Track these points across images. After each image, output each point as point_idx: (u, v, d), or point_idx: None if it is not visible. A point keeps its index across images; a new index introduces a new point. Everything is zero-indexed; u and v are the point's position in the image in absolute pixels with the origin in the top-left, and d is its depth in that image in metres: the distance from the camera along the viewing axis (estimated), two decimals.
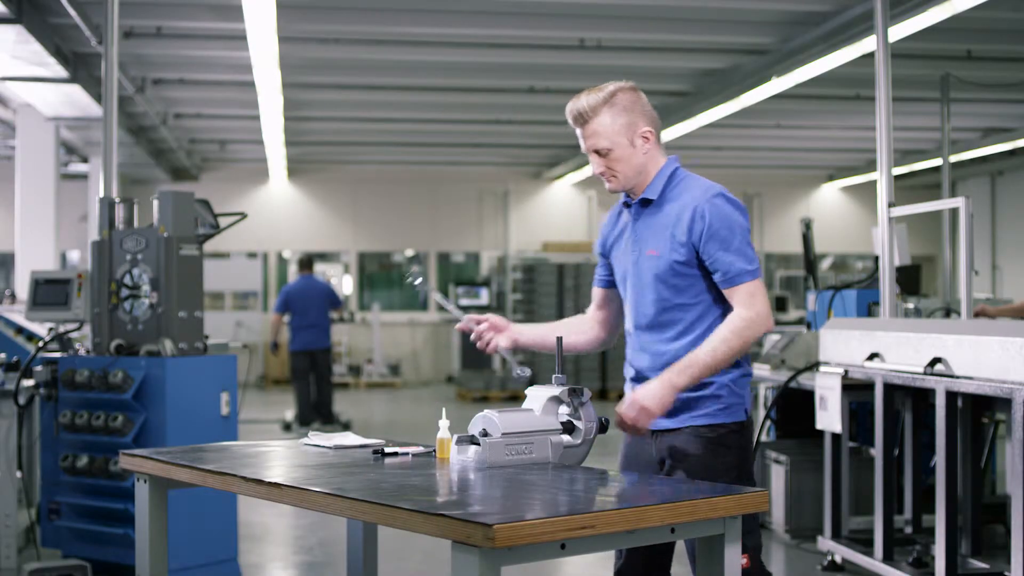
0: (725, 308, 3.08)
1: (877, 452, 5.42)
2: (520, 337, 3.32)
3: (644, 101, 3.14)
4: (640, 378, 3.17)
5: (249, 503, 6.77)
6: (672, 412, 3.10)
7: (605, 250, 3.33)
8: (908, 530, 5.77)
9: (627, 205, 3.23)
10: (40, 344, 5.70)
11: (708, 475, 3.03)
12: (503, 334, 3.30)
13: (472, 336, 3.33)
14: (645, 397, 3.00)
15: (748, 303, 3.02)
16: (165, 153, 16.15)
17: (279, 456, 3.19)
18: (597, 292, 3.40)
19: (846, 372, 5.56)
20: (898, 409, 5.66)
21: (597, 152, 3.12)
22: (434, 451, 3.08)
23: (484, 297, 17.60)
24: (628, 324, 3.24)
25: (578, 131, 3.14)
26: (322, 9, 9.06)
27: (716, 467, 3.07)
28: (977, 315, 6.08)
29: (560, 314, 16.03)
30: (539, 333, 3.39)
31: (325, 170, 18.30)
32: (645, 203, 3.16)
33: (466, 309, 17.85)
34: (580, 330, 3.41)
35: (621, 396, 3.16)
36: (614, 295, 3.33)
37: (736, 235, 3.04)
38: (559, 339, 3.18)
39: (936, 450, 4.93)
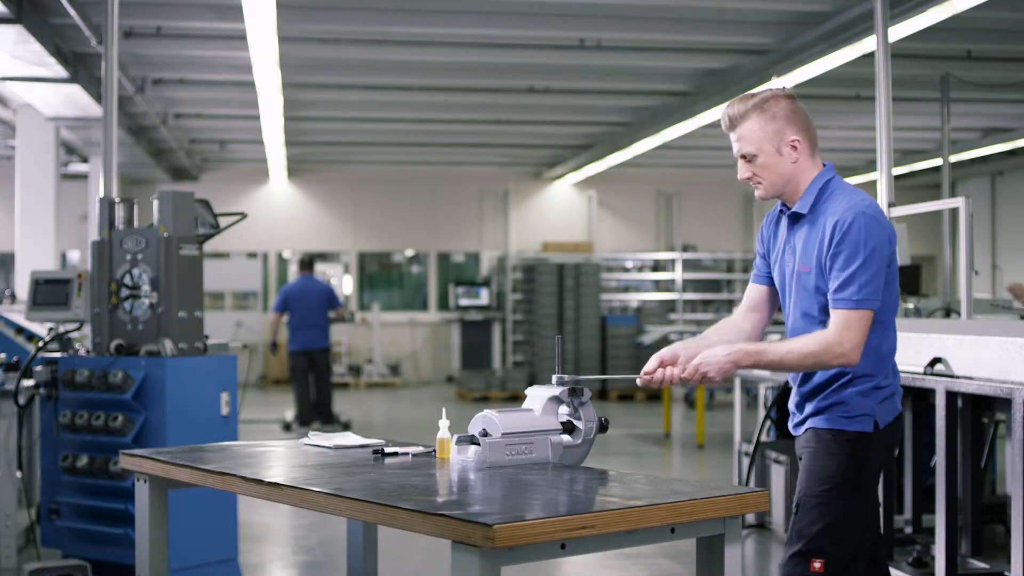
0: (873, 333, 3.01)
1: None
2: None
3: (798, 109, 3.11)
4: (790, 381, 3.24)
5: (249, 503, 6.77)
6: (806, 419, 3.15)
7: (765, 250, 3.30)
8: (908, 530, 5.77)
9: (782, 212, 3.21)
10: (40, 344, 5.70)
11: (814, 475, 3.05)
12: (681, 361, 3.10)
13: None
14: (708, 363, 2.99)
15: (840, 331, 2.95)
16: (165, 153, 16.15)
17: (279, 456, 3.19)
18: (755, 289, 3.32)
19: None
20: None
21: (744, 157, 3.12)
22: (434, 451, 3.08)
23: (484, 297, 17.61)
24: (787, 327, 3.24)
25: (731, 136, 3.14)
26: (322, 9, 9.06)
27: (822, 469, 3.07)
28: (1010, 290, 6.11)
29: (560, 314, 16.05)
30: (712, 332, 3.28)
31: (325, 170, 18.30)
32: (796, 217, 3.14)
33: (466, 309, 17.77)
34: (738, 330, 3.28)
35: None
36: (772, 295, 3.29)
37: (859, 257, 2.95)
38: (559, 339, 3.18)
39: (936, 450, 4.93)
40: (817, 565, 2.96)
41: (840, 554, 3.01)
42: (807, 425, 3.15)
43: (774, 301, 3.31)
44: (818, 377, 3.10)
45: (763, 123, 3.08)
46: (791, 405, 3.26)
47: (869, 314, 2.96)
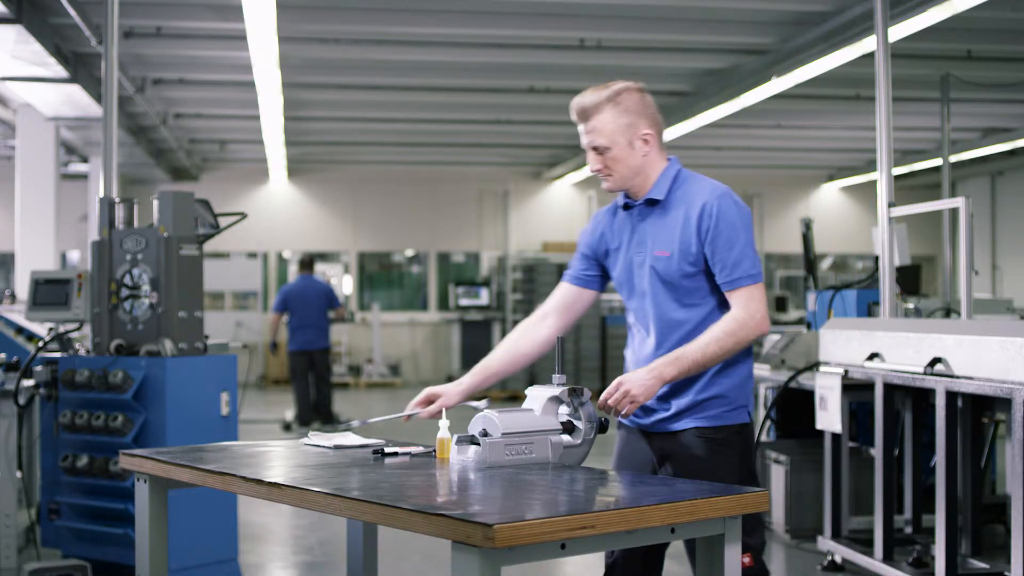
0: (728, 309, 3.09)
1: (877, 452, 5.42)
2: (463, 387, 3.23)
3: (649, 103, 3.13)
4: None
5: (249, 503, 6.77)
6: (677, 414, 3.11)
7: (592, 250, 3.29)
8: (908, 530, 5.77)
9: (627, 207, 3.22)
10: (40, 344, 5.70)
11: (710, 477, 3.03)
12: (442, 398, 3.19)
13: (422, 415, 3.19)
14: (631, 382, 2.99)
15: (745, 305, 3.02)
16: (165, 153, 16.15)
17: (279, 456, 3.19)
18: (568, 289, 3.32)
19: (846, 372, 5.56)
20: (898, 409, 5.66)
21: (595, 149, 3.12)
22: (434, 451, 3.08)
23: (484, 297, 17.60)
24: (636, 323, 3.22)
25: (580, 127, 3.14)
26: (322, 9, 9.06)
27: (718, 468, 3.08)
28: None
29: None
30: (489, 364, 3.29)
31: (325, 170, 18.30)
32: (651, 203, 3.15)
33: (466, 309, 17.80)
34: (532, 339, 3.32)
35: None
36: (586, 296, 3.30)
37: (741, 237, 3.04)
38: (560, 339, 3.18)
39: (936, 450, 4.93)
40: (746, 560, 2.97)
41: (757, 543, 3.09)
42: (685, 424, 3.11)
43: (584, 305, 3.30)
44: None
45: (616, 116, 3.08)
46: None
47: (761, 284, 3.06)
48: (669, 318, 3.12)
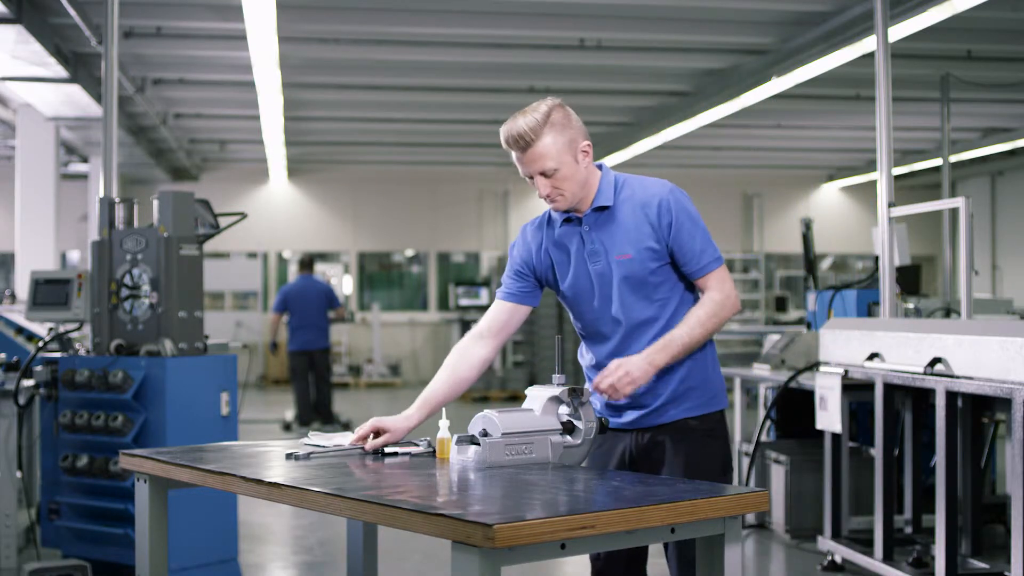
0: (696, 296, 3.17)
1: (877, 452, 5.42)
2: (411, 421, 3.14)
3: (574, 116, 3.11)
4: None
5: (249, 503, 6.77)
6: (660, 408, 3.13)
7: (529, 266, 3.25)
8: (908, 530, 5.77)
9: (568, 220, 3.18)
10: (40, 344, 5.70)
11: (699, 465, 3.07)
12: (389, 433, 3.10)
13: (366, 448, 3.10)
14: (631, 364, 3.01)
15: (719, 287, 3.11)
16: (165, 153, 16.15)
17: (279, 456, 3.19)
18: (504, 307, 3.26)
19: (846, 372, 5.56)
20: (898, 409, 5.66)
21: (543, 174, 3.06)
22: (434, 450, 3.08)
23: (484, 297, 17.60)
24: (594, 331, 3.20)
25: (515, 155, 3.07)
26: (322, 9, 9.06)
27: (706, 456, 3.12)
28: None
29: (560, 314, 16.05)
30: (433, 395, 3.19)
31: (325, 170, 18.30)
32: (599, 210, 3.14)
33: (466, 309, 17.78)
34: (471, 363, 3.23)
35: None
36: (521, 312, 3.27)
37: (699, 225, 3.12)
38: (559, 339, 3.17)
39: (936, 450, 4.93)
40: None
41: None
42: (673, 416, 3.12)
43: (519, 320, 3.28)
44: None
45: (555, 136, 3.04)
46: (599, 398, 3.20)
47: (724, 263, 3.16)
48: (638, 319, 3.12)
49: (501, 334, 3.29)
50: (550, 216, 3.24)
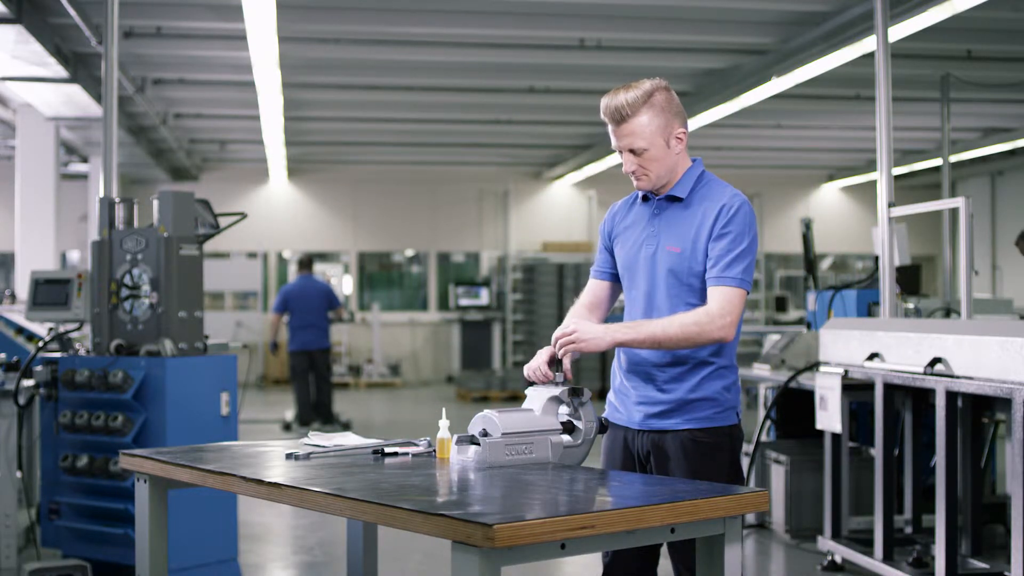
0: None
1: (877, 452, 5.42)
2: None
3: (677, 101, 3.11)
4: (639, 370, 3.14)
5: (249, 503, 6.77)
6: (667, 413, 3.10)
7: (610, 241, 3.28)
8: (908, 530, 5.77)
9: (645, 199, 3.20)
10: (40, 344, 5.70)
11: (700, 477, 3.03)
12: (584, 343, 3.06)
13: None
14: (584, 329, 2.99)
15: (721, 304, 3.00)
16: (165, 153, 16.15)
17: (279, 456, 3.19)
18: (598, 285, 3.31)
19: (846, 372, 5.56)
20: (898, 409, 5.66)
21: (632, 151, 3.08)
22: (434, 450, 3.08)
23: (484, 297, 17.61)
24: (632, 317, 3.20)
25: (612, 127, 3.09)
26: (322, 9, 9.06)
27: (709, 470, 3.08)
28: None
29: (560, 314, 16.04)
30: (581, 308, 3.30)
31: (325, 170, 18.30)
32: (672, 199, 3.14)
33: (466, 309, 17.77)
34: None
35: None
36: (613, 292, 3.31)
37: (744, 243, 3.03)
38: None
39: (936, 450, 4.93)
40: None
41: None
42: (675, 425, 3.10)
43: (613, 298, 3.31)
44: (682, 370, 3.08)
45: (652, 116, 3.05)
46: (618, 398, 3.21)
47: (745, 295, 3.04)
48: (675, 311, 3.08)
49: (597, 311, 3.29)
50: (638, 195, 3.24)
